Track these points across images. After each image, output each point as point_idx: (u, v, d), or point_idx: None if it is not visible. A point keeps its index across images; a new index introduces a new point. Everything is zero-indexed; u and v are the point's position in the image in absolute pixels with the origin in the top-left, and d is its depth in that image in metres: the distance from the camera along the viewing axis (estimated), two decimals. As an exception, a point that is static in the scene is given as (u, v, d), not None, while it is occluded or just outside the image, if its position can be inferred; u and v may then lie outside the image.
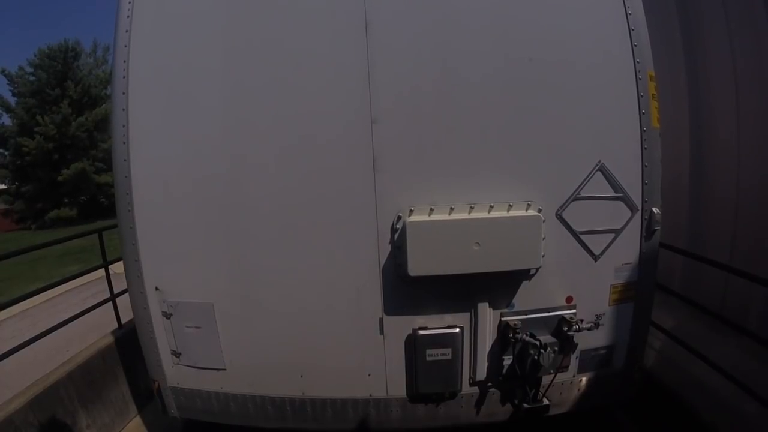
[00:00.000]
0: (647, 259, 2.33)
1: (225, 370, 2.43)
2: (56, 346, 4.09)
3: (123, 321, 3.97)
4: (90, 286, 6.76)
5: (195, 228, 2.31)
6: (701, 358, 2.72)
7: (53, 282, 3.73)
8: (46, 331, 3.35)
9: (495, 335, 2.32)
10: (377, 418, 2.42)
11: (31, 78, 22.66)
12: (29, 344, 3.19)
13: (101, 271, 4.12)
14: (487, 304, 2.28)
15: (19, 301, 3.42)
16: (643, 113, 2.21)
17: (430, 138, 2.17)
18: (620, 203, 2.26)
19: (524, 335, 2.24)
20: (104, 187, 22.76)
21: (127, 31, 2.25)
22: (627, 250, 2.31)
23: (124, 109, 2.27)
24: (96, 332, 4.04)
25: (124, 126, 2.27)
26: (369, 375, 2.37)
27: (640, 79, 2.19)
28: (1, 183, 23.92)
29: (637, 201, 2.27)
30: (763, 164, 3.25)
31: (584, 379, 2.44)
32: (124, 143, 2.28)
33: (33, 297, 3.60)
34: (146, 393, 3.69)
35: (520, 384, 2.36)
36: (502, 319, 2.30)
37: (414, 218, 2.16)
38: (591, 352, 2.40)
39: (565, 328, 2.24)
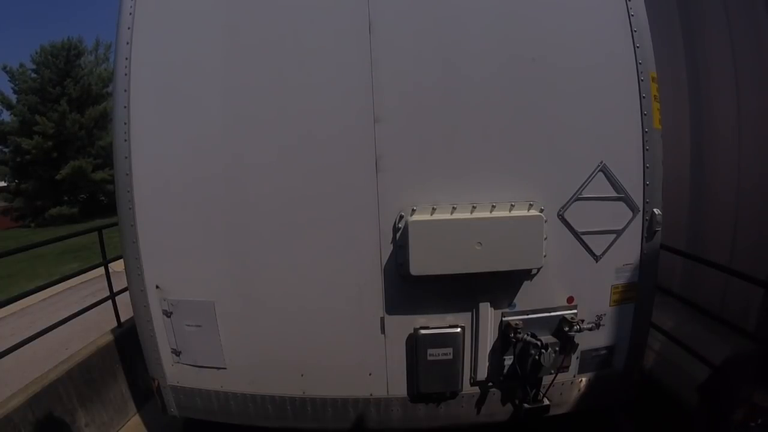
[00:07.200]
0: (648, 260, 2.33)
1: (225, 368, 2.43)
2: (55, 344, 4.09)
3: (122, 319, 3.97)
4: (89, 284, 6.76)
5: (196, 226, 2.30)
6: (701, 360, 2.72)
7: (52, 280, 3.73)
8: (45, 329, 3.34)
9: (496, 335, 2.32)
10: (378, 418, 2.42)
11: (33, 75, 22.61)
12: (28, 342, 3.19)
13: (101, 269, 4.11)
14: (488, 303, 2.28)
15: (19, 299, 3.42)
16: (645, 114, 2.22)
17: (432, 137, 2.17)
18: (622, 204, 2.26)
19: (525, 335, 2.23)
20: (101, 184, 22.73)
21: (129, 28, 2.25)
22: (628, 251, 2.31)
23: (125, 107, 2.27)
24: (95, 330, 4.04)
25: (125, 123, 2.27)
26: (370, 374, 2.36)
27: (642, 80, 2.20)
28: (1, 180, 23.85)
29: (639, 202, 2.27)
30: (763, 164, 3.25)
31: (584, 379, 2.45)
32: (125, 140, 2.28)
33: (32, 295, 3.60)
34: (145, 392, 3.69)
35: (520, 384, 2.36)
36: (504, 318, 2.30)
37: (416, 217, 2.16)
38: (591, 353, 2.40)
39: (566, 329, 2.23)
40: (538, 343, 2.20)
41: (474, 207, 2.18)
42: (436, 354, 2.27)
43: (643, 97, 2.20)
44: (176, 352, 2.46)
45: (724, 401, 2.34)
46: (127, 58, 2.25)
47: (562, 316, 2.28)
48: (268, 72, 2.18)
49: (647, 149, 2.23)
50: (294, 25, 2.16)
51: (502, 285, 2.25)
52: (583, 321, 2.25)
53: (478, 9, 2.13)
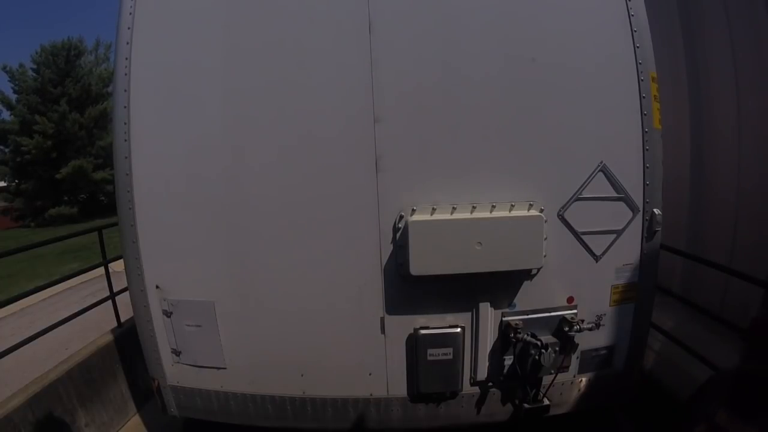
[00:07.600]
0: (648, 260, 2.33)
1: (225, 368, 2.43)
2: (55, 344, 4.09)
3: (122, 319, 3.97)
4: (89, 284, 6.76)
5: (196, 226, 2.30)
6: (701, 360, 2.72)
7: (52, 280, 3.73)
8: (45, 329, 3.34)
9: (496, 335, 2.32)
10: (378, 418, 2.42)
11: (33, 75, 22.61)
12: (28, 342, 3.19)
13: (101, 269, 4.11)
14: (488, 303, 2.28)
15: (19, 299, 3.43)
16: (645, 114, 2.22)
17: (432, 137, 2.17)
18: (621, 204, 2.26)
19: (525, 335, 2.23)
20: (101, 184, 22.74)
21: (129, 28, 2.25)
22: (628, 251, 2.31)
23: (125, 107, 2.27)
24: (95, 331, 4.04)
25: (125, 123, 2.27)
26: (370, 374, 2.36)
27: (642, 80, 2.20)
28: (1, 180, 23.86)
29: (639, 202, 2.27)
30: (763, 164, 3.25)
31: (584, 379, 2.45)
32: (125, 140, 2.28)
33: (32, 295, 3.60)
34: (145, 392, 3.69)
35: (520, 384, 2.36)
36: (504, 318, 2.30)
37: (416, 217, 2.16)
38: (591, 353, 2.40)
39: (566, 329, 2.23)
40: (538, 343, 2.20)
41: (474, 207, 2.18)
42: (436, 354, 2.27)
43: (643, 97, 2.20)
44: (176, 352, 2.46)
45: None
46: (127, 58, 2.25)
47: (562, 316, 2.28)
48: (268, 72, 2.18)
49: (647, 149, 2.23)
50: (294, 25, 2.16)
51: (502, 285, 2.25)
52: (583, 321, 2.25)
53: (478, 9, 2.13)
